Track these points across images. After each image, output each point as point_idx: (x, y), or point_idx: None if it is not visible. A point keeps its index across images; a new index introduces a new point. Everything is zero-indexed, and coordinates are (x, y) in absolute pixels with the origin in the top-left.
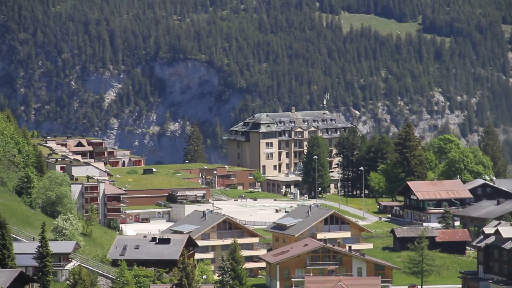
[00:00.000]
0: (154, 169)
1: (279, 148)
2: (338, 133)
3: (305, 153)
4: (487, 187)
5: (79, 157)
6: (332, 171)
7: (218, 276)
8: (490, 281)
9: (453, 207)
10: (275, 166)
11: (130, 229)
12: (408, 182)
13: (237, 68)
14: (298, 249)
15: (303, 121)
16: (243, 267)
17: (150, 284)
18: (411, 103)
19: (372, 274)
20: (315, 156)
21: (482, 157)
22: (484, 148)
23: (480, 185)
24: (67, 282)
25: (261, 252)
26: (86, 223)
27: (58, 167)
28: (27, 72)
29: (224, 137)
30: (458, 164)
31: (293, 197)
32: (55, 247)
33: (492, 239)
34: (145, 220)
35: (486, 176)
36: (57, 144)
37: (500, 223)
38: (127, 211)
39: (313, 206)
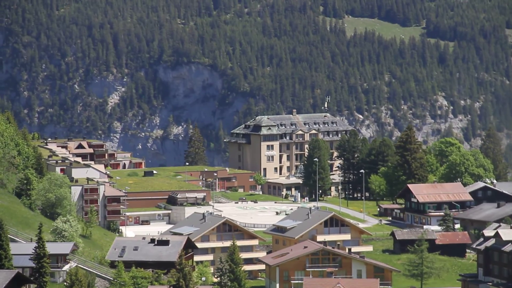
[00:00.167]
0: (154, 172)
1: (280, 151)
2: (339, 135)
3: (306, 155)
4: (487, 190)
5: (79, 159)
6: (333, 174)
7: (216, 278)
8: (490, 283)
9: (453, 210)
10: (276, 168)
11: (130, 231)
12: (408, 185)
13: (241, 71)
14: (298, 251)
15: (304, 123)
16: (242, 269)
17: (148, 285)
18: (414, 107)
19: (371, 276)
20: (316, 159)
21: (483, 160)
22: (485, 151)
23: (480, 188)
24: (64, 283)
25: (261, 254)
26: (85, 225)
27: (58, 169)
28: (31, 75)
29: (225, 140)
30: (459, 167)
31: (293, 199)
32: (52, 248)
33: (492, 241)
34: (145, 222)
35: (487, 179)
36: (57, 146)
37: (500, 225)
38: (127, 213)
39: (313, 208)
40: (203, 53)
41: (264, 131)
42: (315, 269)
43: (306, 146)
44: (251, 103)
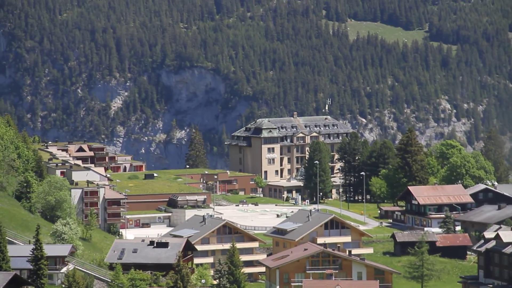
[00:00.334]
0: (155, 174)
1: (281, 154)
2: (340, 138)
3: (306, 158)
4: (488, 192)
5: (80, 162)
6: (334, 176)
7: (215, 280)
8: (491, 285)
9: (454, 212)
10: (276, 171)
11: (130, 234)
12: (409, 187)
13: (244, 75)
14: (298, 253)
15: (305, 126)
16: (242, 271)
17: (146, 287)
18: (417, 111)
19: (372, 278)
20: (316, 161)
21: (483, 162)
22: (486, 153)
23: (481, 190)
24: (62, 285)
25: (261, 257)
26: (85, 227)
27: (58, 172)
28: (34, 80)
29: (226, 142)
30: (460, 169)
31: (294, 202)
32: (51, 250)
33: (492, 243)
34: (146, 225)
35: (488, 181)
36: (58, 149)
37: (500, 227)
38: (128, 216)
39: (313, 210)
40: (206, 57)
41: (265, 134)
42: (315, 271)
43: (307, 148)
44: (254, 107)
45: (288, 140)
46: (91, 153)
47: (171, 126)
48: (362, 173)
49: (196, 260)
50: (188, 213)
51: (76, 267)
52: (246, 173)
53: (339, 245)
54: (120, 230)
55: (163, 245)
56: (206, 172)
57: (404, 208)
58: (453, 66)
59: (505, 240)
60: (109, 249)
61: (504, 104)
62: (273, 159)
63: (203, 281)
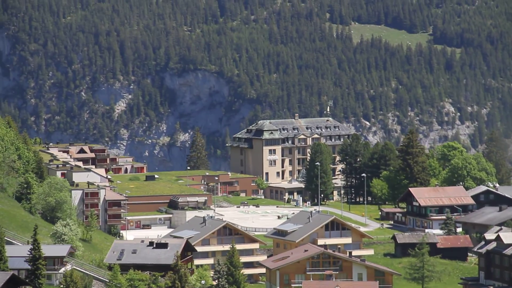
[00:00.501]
0: (156, 176)
1: (282, 155)
2: (342, 140)
3: (308, 160)
4: (489, 193)
5: (81, 164)
6: (335, 178)
7: (214, 280)
8: (491, 287)
9: (455, 214)
10: (278, 173)
11: (131, 235)
12: (410, 189)
13: (247, 78)
14: (298, 254)
15: (307, 128)
16: (242, 272)
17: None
18: (421, 114)
19: (372, 280)
20: (318, 163)
21: (485, 164)
22: (488, 155)
23: (482, 192)
24: (60, 285)
25: (262, 258)
26: (86, 229)
27: (59, 173)
28: (38, 83)
29: (227, 144)
30: (461, 171)
31: (295, 204)
32: (49, 250)
33: (493, 245)
34: (146, 226)
35: (489, 182)
36: (59, 151)
37: (501, 229)
38: (129, 217)
39: (313, 212)
40: (209, 60)
41: (266, 136)
42: (316, 273)
43: (308, 150)
44: (257, 110)
45: (290, 142)
46: (92, 155)
47: (174, 129)
48: (363, 174)
49: (197, 261)
50: (189, 214)
51: (75, 267)
52: (247, 174)
53: (339, 246)
54: (121, 231)
55: (163, 245)
56: (207, 174)
57: (405, 209)
58: (457, 69)
59: (506, 241)
60: (109, 250)
61: (508, 107)
62: (275, 161)
63: (203, 282)
